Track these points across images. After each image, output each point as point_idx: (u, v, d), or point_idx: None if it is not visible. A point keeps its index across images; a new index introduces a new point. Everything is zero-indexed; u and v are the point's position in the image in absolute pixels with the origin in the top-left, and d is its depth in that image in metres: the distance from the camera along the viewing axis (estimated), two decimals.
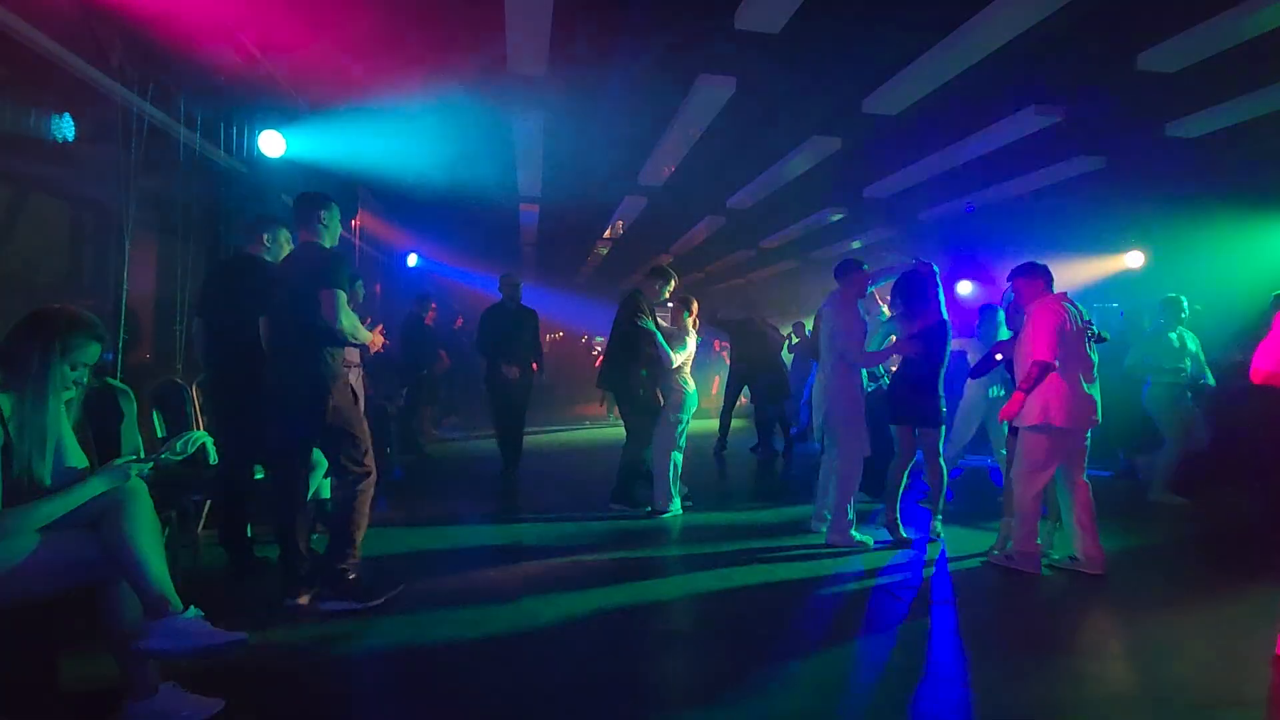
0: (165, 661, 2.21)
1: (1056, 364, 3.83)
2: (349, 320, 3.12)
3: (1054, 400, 3.85)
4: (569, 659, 2.82)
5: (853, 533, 4.39)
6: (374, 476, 3.26)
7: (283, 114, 5.64)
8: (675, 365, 5.10)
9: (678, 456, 5.18)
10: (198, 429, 3.98)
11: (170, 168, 4.81)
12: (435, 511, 5.21)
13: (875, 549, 4.34)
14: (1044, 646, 3.05)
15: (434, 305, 8.49)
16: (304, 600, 3.17)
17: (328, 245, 3.28)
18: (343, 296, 3.09)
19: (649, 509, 5.12)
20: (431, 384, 8.64)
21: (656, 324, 5.19)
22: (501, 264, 10.04)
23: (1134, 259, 8.45)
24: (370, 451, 3.25)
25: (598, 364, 6.03)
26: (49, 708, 2.19)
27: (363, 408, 3.66)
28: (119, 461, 2.20)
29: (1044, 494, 4.05)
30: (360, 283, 5.02)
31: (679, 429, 5.17)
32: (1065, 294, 4.05)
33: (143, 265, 4.75)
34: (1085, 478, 3.99)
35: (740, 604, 3.48)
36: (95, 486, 2.12)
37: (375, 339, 3.39)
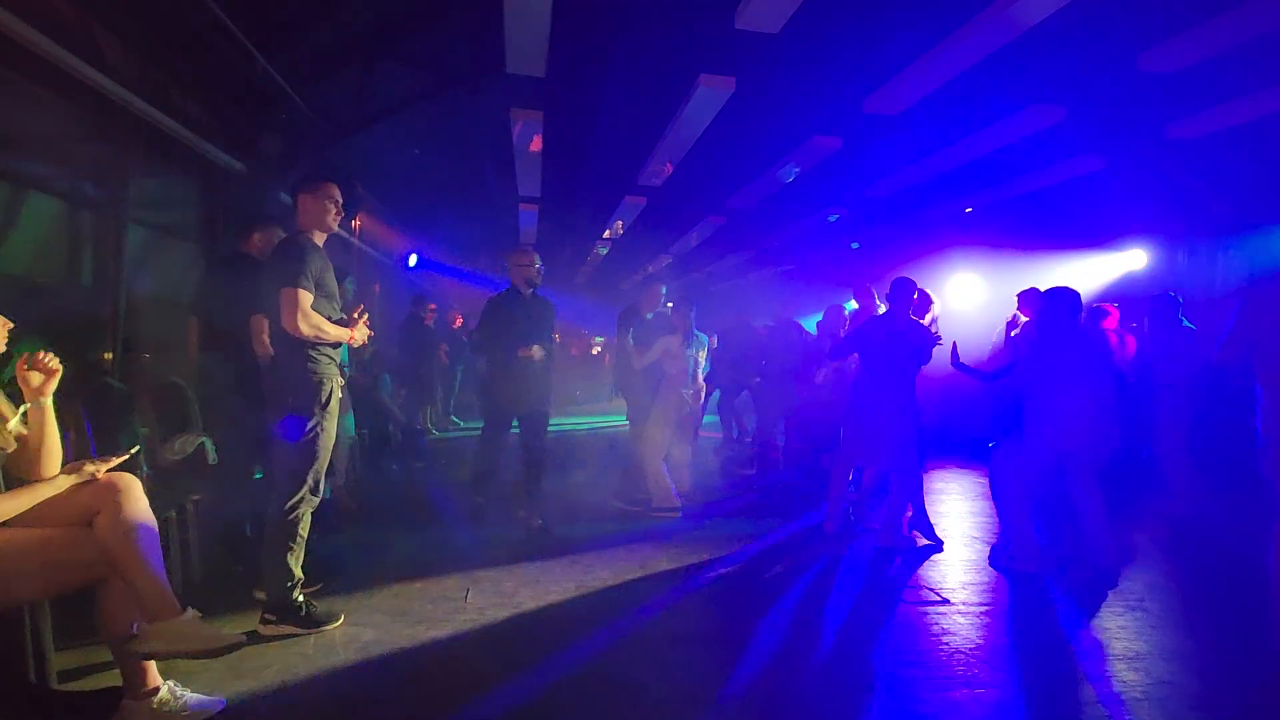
0: (165, 661, 2.21)
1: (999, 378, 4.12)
2: (307, 324, 2.76)
3: (1020, 417, 4.00)
4: (568, 658, 2.82)
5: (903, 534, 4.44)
6: (314, 498, 2.93)
7: (281, 113, 5.63)
8: (641, 366, 5.19)
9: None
10: (197, 429, 3.97)
11: (168, 167, 4.81)
12: (434, 511, 5.20)
13: (877, 549, 4.35)
14: (1043, 645, 3.05)
15: (432, 306, 8.49)
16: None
17: (315, 232, 2.95)
18: (304, 296, 2.75)
19: (652, 508, 5.11)
20: (430, 383, 8.65)
21: (636, 334, 5.32)
22: (501, 263, 9.95)
23: (1135, 258, 8.43)
24: (321, 471, 2.94)
25: (606, 361, 6.21)
26: (48, 707, 2.19)
27: (349, 415, 3.41)
28: (87, 464, 2.19)
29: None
30: (351, 279, 4.95)
31: (670, 430, 5.18)
32: (1087, 326, 4.16)
33: (142, 265, 4.75)
34: (1089, 485, 3.92)
35: (741, 604, 3.47)
36: (60, 484, 2.12)
37: (356, 334, 3.00)
